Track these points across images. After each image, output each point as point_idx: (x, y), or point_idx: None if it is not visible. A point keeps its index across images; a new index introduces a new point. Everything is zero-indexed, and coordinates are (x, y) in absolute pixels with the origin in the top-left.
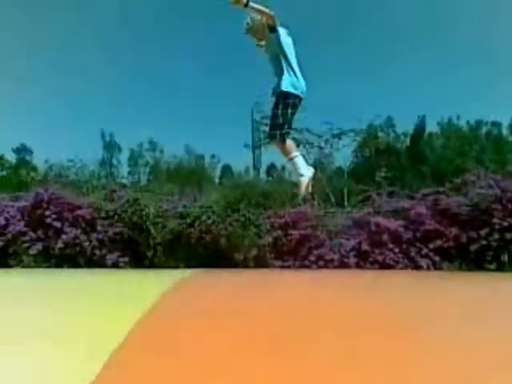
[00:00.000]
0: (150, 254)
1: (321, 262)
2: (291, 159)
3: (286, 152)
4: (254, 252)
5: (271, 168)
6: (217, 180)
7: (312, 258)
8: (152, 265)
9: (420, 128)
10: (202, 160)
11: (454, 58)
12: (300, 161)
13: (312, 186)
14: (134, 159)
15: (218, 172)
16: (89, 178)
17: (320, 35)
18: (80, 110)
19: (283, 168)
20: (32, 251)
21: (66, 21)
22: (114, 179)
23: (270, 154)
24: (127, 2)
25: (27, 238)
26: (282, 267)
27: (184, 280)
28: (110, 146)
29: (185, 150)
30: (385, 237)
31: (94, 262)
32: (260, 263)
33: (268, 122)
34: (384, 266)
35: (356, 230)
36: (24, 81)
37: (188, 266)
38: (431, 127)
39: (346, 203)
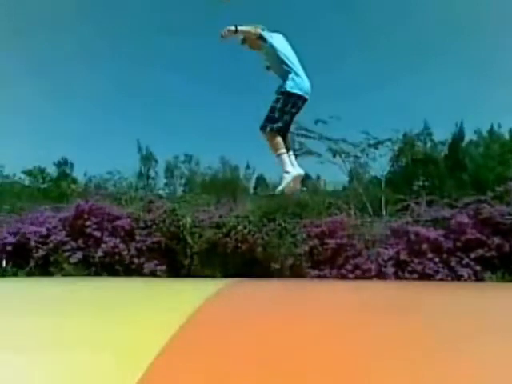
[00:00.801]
0: (186, 262)
1: (358, 272)
2: (278, 156)
3: (273, 148)
4: (290, 261)
5: (305, 178)
6: (251, 191)
7: (349, 268)
8: (189, 273)
9: (458, 136)
10: (236, 171)
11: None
12: (286, 159)
13: (301, 183)
14: (170, 171)
15: (252, 183)
16: (127, 190)
17: (355, 46)
18: (117, 123)
19: (318, 178)
20: (73, 260)
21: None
22: (151, 190)
23: (305, 164)
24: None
25: (68, 247)
26: (318, 276)
27: (223, 289)
28: (147, 159)
29: (220, 161)
30: (424, 246)
31: (132, 271)
32: (296, 272)
33: (269, 115)
34: (423, 275)
35: (394, 240)
36: (62, 98)
37: (224, 274)
38: (469, 135)
39: (383, 212)
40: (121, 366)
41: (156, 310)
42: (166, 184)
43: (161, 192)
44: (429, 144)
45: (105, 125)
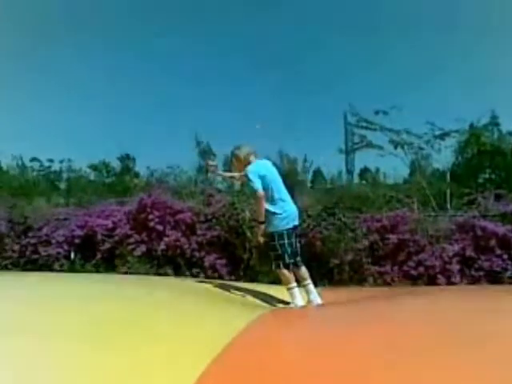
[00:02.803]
0: (245, 256)
1: (421, 268)
2: (289, 289)
3: (284, 282)
4: (349, 256)
5: (365, 171)
6: (308, 184)
7: (411, 264)
8: (248, 267)
9: None
10: (294, 164)
11: None
12: (297, 293)
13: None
14: (228, 165)
15: (309, 176)
16: (187, 184)
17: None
18: (176, 118)
19: (377, 171)
20: (136, 253)
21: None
22: (210, 184)
23: (364, 157)
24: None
25: (132, 240)
26: (378, 272)
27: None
28: (205, 153)
29: (278, 154)
30: (492, 242)
31: (192, 264)
32: (356, 268)
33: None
34: (490, 273)
35: (460, 235)
36: (123, 94)
37: None
38: None
39: (448, 206)
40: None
41: (217, 316)
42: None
43: (219, 186)
44: (496, 135)
45: (164, 119)
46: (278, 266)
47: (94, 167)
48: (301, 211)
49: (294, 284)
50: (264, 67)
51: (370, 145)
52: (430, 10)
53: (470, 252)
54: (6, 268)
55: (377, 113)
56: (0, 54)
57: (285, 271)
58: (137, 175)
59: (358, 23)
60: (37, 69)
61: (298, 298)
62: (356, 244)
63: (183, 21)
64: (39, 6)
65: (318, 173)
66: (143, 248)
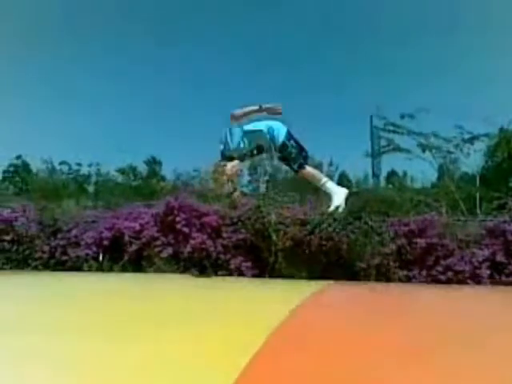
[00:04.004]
0: (271, 259)
1: (450, 273)
2: (323, 185)
3: (316, 179)
4: (376, 260)
5: (392, 175)
6: None
7: (439, 269)
8: (273, 270)
9: None
10: (320, 168)
11: None
12: (330, 182)
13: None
14: (253, 168)
15: (335, 179)
16: (213, 187)
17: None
18: (198, 123)
19: (405, 175)
20: (163, 255)
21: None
22: (235, 188)
23: (391, 160)
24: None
25: (159, 242)
26: (406, 277)
27: (316, 293)
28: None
29: None
30: None
31: (218, 266)
32: (383, 272)
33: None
34: None
35: (490, 240)
36: (150, 100)
37: (309, 272)
38: None
39: (477, 211)
40: (212, 372)
41: (247, 313)
42: (249, 181)
43: (244, 189)
44: None
45: (190, 123)
46: None
47: (121, 171)
48: (327, 215)
49: None
50: (289, 69)
51: (397, 148)
52: (459, 9)
53: (500, 257)
54: (36, 269)
55: (403, 116)
56: (29, 60)
57: None
58: (163, 178)
59: (387, 26)
60: (63, 75)
61: None
62: (383, 248)
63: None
64: (39, 14)
65: (343, 176)
66: (170, 250)
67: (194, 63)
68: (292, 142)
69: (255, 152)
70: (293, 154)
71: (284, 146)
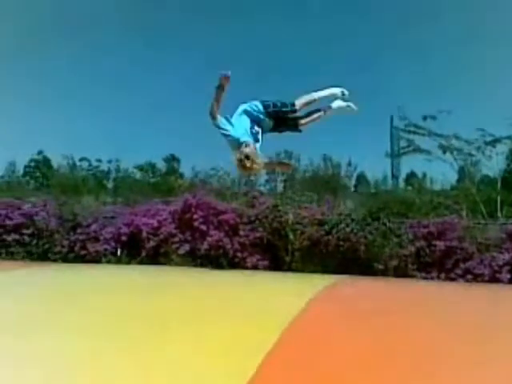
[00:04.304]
0: (288, 259)
1: (469, 276)
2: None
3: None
4: (394, 262)
5: (411, 176)
6: (352, 188)
7: (459, 272)
8: (290, 269)
9: None
10: (338, 168)
11: None
12: None
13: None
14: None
15: (353, 180)
16: (230, 185)
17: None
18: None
19: (424, 176)
20: (180, 251)
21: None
22: (253, 186)
23: (410, 161)
24: None
25: (177, 239)
26: (425, 279)
27: (331, 286)
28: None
29: (322, 158)
30: None
31: (235, 264)
32: (401, 274)
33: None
34: None
35: (510, 244)
36: (169, 97)
37: (325, 272)
38: None
39: (498, 214)
40: (230, 364)
41: (264, 305)
42: (266, 180)
43: (262, 188)
44: None
45: (207, 122)
46: None
47: (140, 167)
48: (345, 215)
49: None
50: (309, 67)
51: (417, 149)
52: (483, 11)
53: None
54: (55, 262)
55: (425, 118)
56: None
57: None
58: (181, 176)
59: (410, 27)
60: (79, 71)
61: None
62: (401, 250)
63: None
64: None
65: (361, 177)
66: (187, 247)
67: (216, 60)
68: (271, 107)
69: (254, 130)
70: (280, 114)
71: (270, 113)
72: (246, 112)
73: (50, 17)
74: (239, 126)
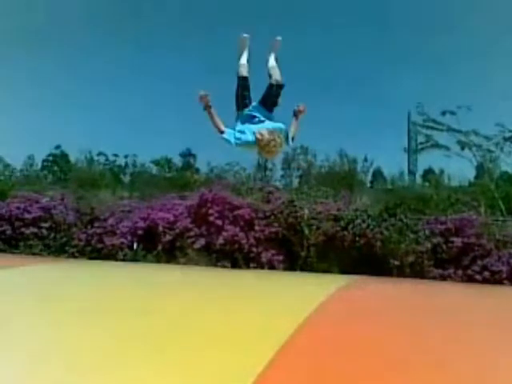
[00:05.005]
0: (303, 254)
1: (486, 273)
2: None
3: None
4: (410, 258)
5: (428, 172)
6: (368, 184)
7: (476, 268)
8: (305, 265)
9: None
10: (354, 164)
11: None
12: None
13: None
14: (287, 163)
15: (369, 176)
16: (245, 180)
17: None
18: (231, 117)
19: (441, 172)
20: (196, 246)
21: None
22: (268, 182)
23: (427, 157)
24: None
25: (192, 233)
26: (441, 276)
27: (346, 286)
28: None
29: (338, 153)
30: None
31: (250, 259)
32: (417, 270)
33: None
34: None
35: None
36: (190, 91)
37: (341, 268)
38: None
39: None
40: (241, 361)
41: (278, 305)
42: (282, 176)
43: (277, 183)
44: None
45: (226, 117)
46: None
47: (156, 162)
48: (361, 211)
49: None
50: (326, 60)
51: (435, 145)
52: (504, 7)
53: None
54: (72, 256)
55: (444, 113)
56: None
57: None
58: (197, 171)
59: (426, 21)
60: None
61: None
62: (418, 246)
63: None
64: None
65: (377, 173)
66: (202, 241)
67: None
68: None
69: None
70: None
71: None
72: (248, 115)
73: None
74: (247, 129)
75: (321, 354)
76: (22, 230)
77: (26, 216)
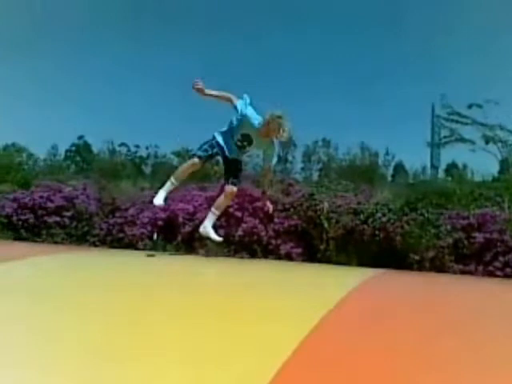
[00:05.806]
0: (322, 247)
1: (508, 270)
2: None
3: None
4: (431, 253)
5: (452, 167)
6: (389, 178)
7: (497, 265)
8: (323, 258)
9: None
10: (376, 157)
11: None
12: None
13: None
14: (307, 156)
15: (390, 170)
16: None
17: None
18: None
19: (465, 167)
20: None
21: None
22: (288, 174)
23: (450, 151)
24: None
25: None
26: (462, 272)
27: (368, 280)
28: (286, 143)
29: (359, 147)
30: None
31: (268, 251)
32: (437, 265)
33: None
34: None
35: None
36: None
37: (360, 262)
38: None
39: None
40: (254, 361)
41: (295, 299)
42: (302, 168)
43: (297, 176)
44: None
45: (224, 117)
46: None
47: (177, 153)
48: (382, 205)
49: None
50: (348, 52)
51: (460, 139)
52: None
53: None
54: (93, 245)
55: (470, 106)
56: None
57: None
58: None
59: (458, 14)
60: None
61: None
62: (439, 241)
63: None
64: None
65: (399, 167)
66: (221, 233)
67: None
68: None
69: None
70: None
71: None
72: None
73: None
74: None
75: (342, 349)
76: (45, 218)
77: (49, 205)
